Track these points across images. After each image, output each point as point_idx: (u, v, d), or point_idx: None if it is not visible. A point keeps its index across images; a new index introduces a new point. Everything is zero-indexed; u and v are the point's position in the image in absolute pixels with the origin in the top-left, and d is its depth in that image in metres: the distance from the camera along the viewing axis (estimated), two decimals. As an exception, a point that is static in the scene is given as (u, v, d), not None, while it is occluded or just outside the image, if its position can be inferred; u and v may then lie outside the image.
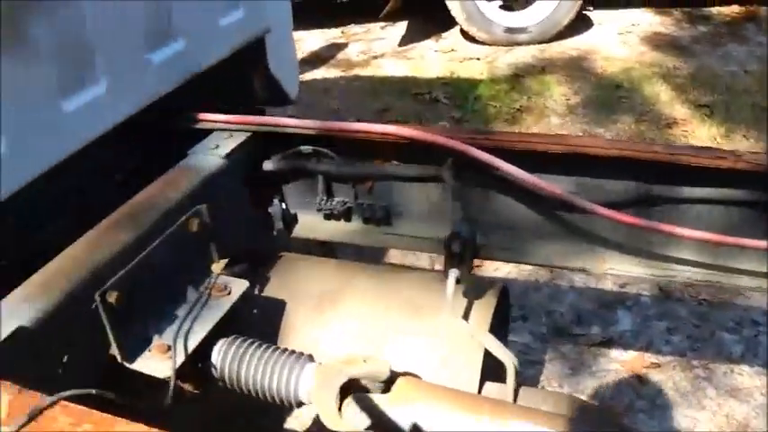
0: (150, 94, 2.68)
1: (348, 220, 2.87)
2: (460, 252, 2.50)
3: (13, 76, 2.15)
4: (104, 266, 2.11)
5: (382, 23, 9.91)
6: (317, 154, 2.74)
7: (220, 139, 2.74)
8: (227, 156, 2.64)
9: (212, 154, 2.64)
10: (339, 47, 9.43)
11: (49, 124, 2.29)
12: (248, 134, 2.76)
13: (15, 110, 2.15)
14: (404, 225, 2.82)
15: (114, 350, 2.08)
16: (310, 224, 2.93)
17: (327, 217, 2.88)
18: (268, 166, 2.78)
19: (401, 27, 9.82)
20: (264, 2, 3.24)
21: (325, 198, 2.81)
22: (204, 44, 2.89)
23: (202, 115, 2.83)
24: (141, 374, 2.10)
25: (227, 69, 3.03)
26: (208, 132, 2.83)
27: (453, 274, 2.41)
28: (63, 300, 2.00)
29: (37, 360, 1.93)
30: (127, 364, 2.10)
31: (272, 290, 2.59)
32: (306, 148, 2.73)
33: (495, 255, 2.76)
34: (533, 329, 4.65)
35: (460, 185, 2.59)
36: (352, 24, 10.06)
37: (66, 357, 2.00)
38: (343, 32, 9.95)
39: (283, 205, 2.87)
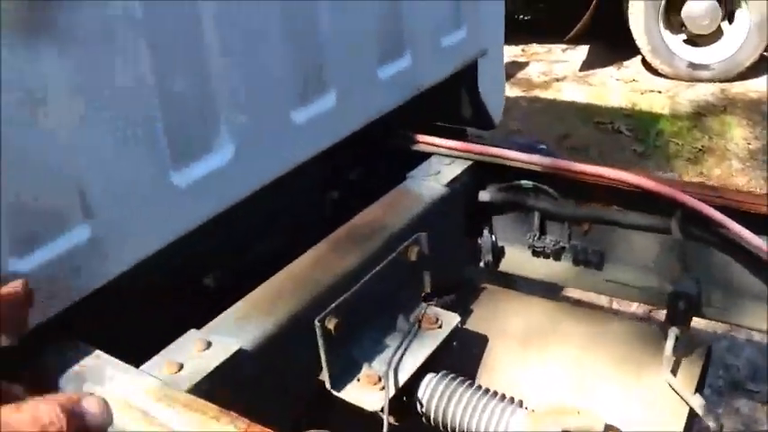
0: (376, 110, 2.61)
1: (557, 259, 2.76)
2: (684, 310, 2.38)
3: (249, 85, 2.11)
4: (326, 290, 2.05)
5: (564, 45, 9.81)
6: (536, 190, 2.64)
7: (441, 164, 2.66)
8: (449, 183, 2.56)
9: (434, 180, 2.56)
10: (520, 65, 9.35)
11: (278, 134, 2.23)
12: (469, 162, 2.66)
13: (248, 117, 2.10)
14: (617, 271, 2.70)
15: (324, 377, 2.02)
16: (517, 259, 2.83)
17: (536, 254, 2.78)
18: (484, 196, 2.69)
19: (582, 51, 9.71)
20: (483, 24, 3.15)
21: (537, 235, 2.71)
22: (428, 63, 2.82)
23: (421, 137, 2.76)
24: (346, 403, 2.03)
25: (437, 89, 2.95)
26: (423, 154, 2.74)
27: (674, 332, 2.32)
28: (286, 321, 1.94)
29: (251, 386, 1.85)
30: (335, 392, 2.03)
31: (474, 323, 2.51)
32: (526, 183, 2.63)
33: (714, 315, 2.62)
34: (711, 381, 4.50)
35: (685, 240, 2.46)
36: (534, 43, 9.98)
37: (278, 382, 1.93)
38: (524, 51, 9.88)
39: (493, 237, 2.77)
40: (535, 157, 2.62)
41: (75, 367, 1.73)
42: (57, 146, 1.67)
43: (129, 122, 1.82)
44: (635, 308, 4.88)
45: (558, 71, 9.17)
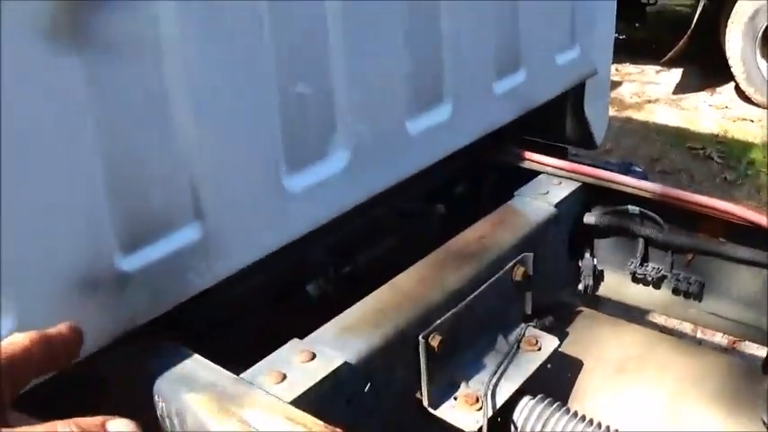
0: (489, 124, 2.59)
1: (657, 287, 2.70)
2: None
3: (367, 92, 2.09)
4: (431, 306, 2.01)
5: (657, 68, 9.71)
6: (642, 216, 2.60)
7: (550, 184, 2.62)
8: (557, 204, 2.52)
9: (542, 200, 2.52)
10: (613, 85, 9.26)
11: (392, 144, 2.22)
12: (578, 184, 2.63)
13: (364, 124, 2.09)
14: (717, 304, 2.64)
15: (423, 394, 2.00)
16: (616, 284, 2.78)
17: (636, 280, 2.73)
18: (589, 219, 2.65)
19: (675, 74, 9.61)
20: (595, 44, 3.12)
21: (639, 262, 2.66)
22: (541, 80, 2.79)
23: (530, 155, 2.73)
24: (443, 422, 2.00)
25: (543, 107, 2.92)
26: (529, 171, 2.72)
27: (773, 371, 2.25)
28: (390, 336, 1.90)
29: (351, 400, 1.82)
30: (432, 411, 2.01)
31: (569, 347, 2.46)
32: (633, 209, 2.59)
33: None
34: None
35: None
36: (628, 63, 9.90)
37: (376, 398, 1.90)
38: (617, 70, 9.79)
39: (594, 260, 2.73)
40: (645, 184, 2.58)
41: (173, 370, 1.71)
42: (172, 145, 1.66)
43: (247, 124, 1.81)
44: (719, 338, 4.80)
45: (650, 93, 9.08)
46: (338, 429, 1.48)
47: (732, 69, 8.65)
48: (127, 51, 1.54)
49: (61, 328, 0.95)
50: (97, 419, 0.88)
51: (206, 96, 1.69)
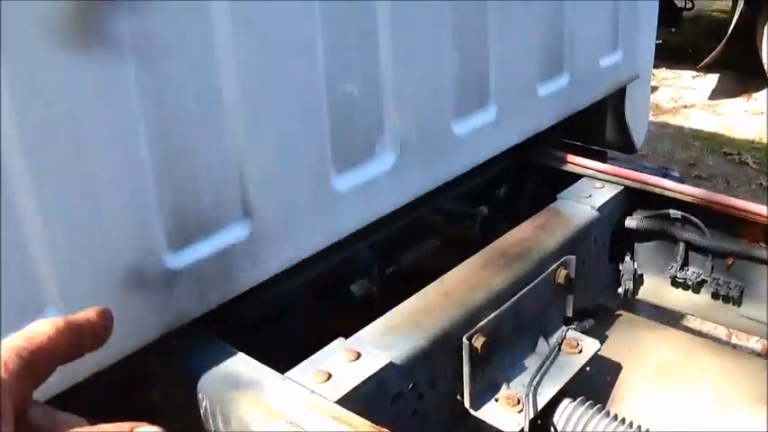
0: (533, 127, 2.61)
1: (697, 292, 2.71)
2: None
3: (415, 93, 2.11)
4: (475, 307, 2.02)
5: (694, 73, 9.68)
6: (684, 220, 2.60)
7: (593, 187, 2.63)
8: (600, 208, 2.53)
9: (585, 203, 2.53)
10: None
11: (439, 145, 2.24)
12: (620, 188, 2.64)
13: (411, 125, 2.11)
14: (757, 310, 2.63)
15: (465, 396, 2.00)
16: (655, 288, 2.78)
17: (675, 285, 2.73)
18: (631, 223, 2.65)
19: (712, 79, 9.57)
20: (637, 48, 3.13)
21: (680, 266, 2.66)
22: (585, 83, 2.81)
23: (572, 158, 2.75)
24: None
25: (585, 110, 2.93)
26: (570, 174, 2.73)
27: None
28: (434, 337, 1.90)
29: (395, 399, 1.83)
30: (473, 412, 2.01)
31: (608, 350, 2.46)
32: (674, 213, 2.59)
33: None
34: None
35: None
36: (664, 68, 9.87)
37: (419, 397, 1.91)
38: (654, 75, 9.76)
39: (635, 264, 2.74)
40: (687, 188, 2.59)
41: (218, 368, 1.73)
42: (222, 143, 1.68)
43: (297, 123, 1.83)
44: (753, 342, 4.79)
45: (687, 98, 9.05)
46: (385, 430, 1.49)
47: (769, 77, 8.63)
48: (179, 50, 1.56)
49: (89, 313, 0.90)
50: (124, 425, 0.81)
51: (256, 95, 1.71)
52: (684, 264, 2.68)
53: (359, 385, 1.70)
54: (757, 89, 9.12)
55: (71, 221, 1.45)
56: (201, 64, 1.60)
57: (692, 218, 2.59)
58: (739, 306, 2.67)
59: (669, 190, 2.58)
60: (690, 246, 2.64)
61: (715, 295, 2.68)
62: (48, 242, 1.42)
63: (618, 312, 2.71)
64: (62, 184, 1.42)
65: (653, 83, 9.33)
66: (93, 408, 1.68)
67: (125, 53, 1.46)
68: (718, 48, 8.41)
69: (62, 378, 1.44)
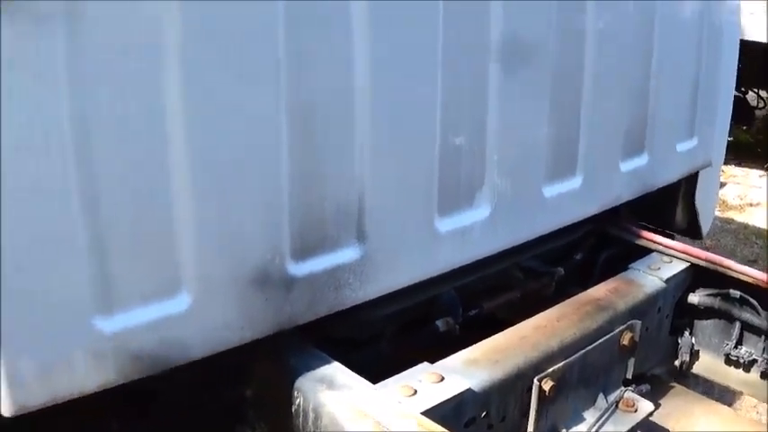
0: (613, 199, 2.79)
1: (747, 370, 2.83)
2: None
3: (514, 155, 2.31)
4: (549, 353, 2.20)
5: (761, 172, 9.68)
6: (743, 301, 2.74)
7: (662, 261, 2.78)
8: (667, 280, 2.69)
9: (654, 275, 2.69)
10: (718, 185, 9.26)
11: (529, 204, 2.44)
12: (687, 264, 2.79)
13: (507, 183, 2.31)
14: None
15: (527, 434, 2.16)
16: (709, 364, 2.92)
17: (728, 362, 2.86)
18: (693, 298, 2.81)
19: (779, 180, 9.59)
20: (712, 137, 3.27)
21: (734, 344, 2.81)
22: (662, 164, 2.97)
23: (644, 233, 2.91)
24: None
25: (658, 192, 3.08)
26: (640, 248, 2.89)
27: None
28: (510, 373, 2.09)
29: (468, 424, 2.00)
30: (532, 452, 2.16)
31: (659, 418, 2.59)
32: (734, 293, 2.74)
33: None
34: None
35: None
36: (733, 165, 9.87)
37: (486, 427, 2.08)
38: (723, 171, 9.77)
39: (693, 339, 2.88)
40: (749, 270, 2.73)
41: (315, 372, 1.94)
42: (351, 169, 1.92)
43: (414, 166, 2.06)
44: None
45: (753, 196, 9.04)
46: None
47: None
48: (328, 77, 1.82)
49: None
50: None
51: (384, 137, 1.96)
52: (739, 342, 2.82)
53: (441, 403, 1.89)
54: (824, 193, 9.12)
55: (217, 220, 1.69)
56: (345, 97, 1.86)
57: (750, 299, 2.72)
58: (786, 386, 2.79)
59: (734, 271, 2.74)
60: (745, 325, 2.78)
61: (764, 375, 2.80)
62: (194, 233, 1.66)
63: (671, 384, 2.84)
64: (218, 190, 1.68)
65: (721, 179, 9.38)
66: (179, 405, 1.89)
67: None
68: (788, 148, 8.44)
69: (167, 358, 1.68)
